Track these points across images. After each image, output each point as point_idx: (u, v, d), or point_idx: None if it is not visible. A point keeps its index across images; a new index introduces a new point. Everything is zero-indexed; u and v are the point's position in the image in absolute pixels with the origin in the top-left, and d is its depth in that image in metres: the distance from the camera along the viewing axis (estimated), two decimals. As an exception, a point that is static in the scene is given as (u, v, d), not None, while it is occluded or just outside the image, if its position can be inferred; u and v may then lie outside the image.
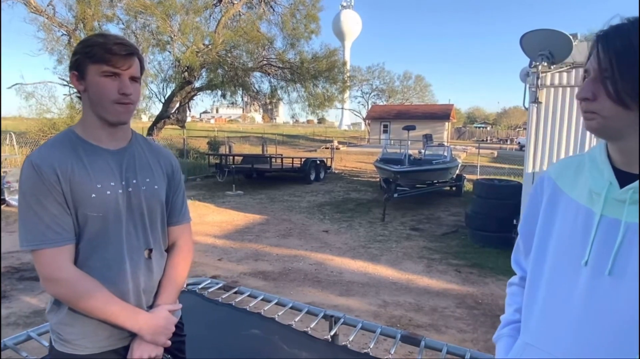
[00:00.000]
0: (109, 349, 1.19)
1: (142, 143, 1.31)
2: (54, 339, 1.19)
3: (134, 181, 1.22)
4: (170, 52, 16.39)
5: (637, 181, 0.78)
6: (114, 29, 16.11)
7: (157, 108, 18.48)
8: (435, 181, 11.39)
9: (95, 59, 1.11)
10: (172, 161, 1.37)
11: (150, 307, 1.25)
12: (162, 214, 1.30)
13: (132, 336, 1.19)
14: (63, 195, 1.10)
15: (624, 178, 0.81)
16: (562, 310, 0.87)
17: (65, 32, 15.24)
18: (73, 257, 1.13)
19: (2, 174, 9.61)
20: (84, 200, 1.12)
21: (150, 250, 1.25)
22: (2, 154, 10.60)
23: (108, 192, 1.15)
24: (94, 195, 1.13)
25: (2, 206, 8.95)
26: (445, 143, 19.42)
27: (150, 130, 17.67)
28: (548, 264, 0.91)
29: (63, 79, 15.14)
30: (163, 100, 17.90)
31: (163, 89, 17.87)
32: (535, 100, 5.45)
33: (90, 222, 1.13)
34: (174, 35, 15.62)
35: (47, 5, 14.81)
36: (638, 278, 0.76)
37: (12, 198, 9.10)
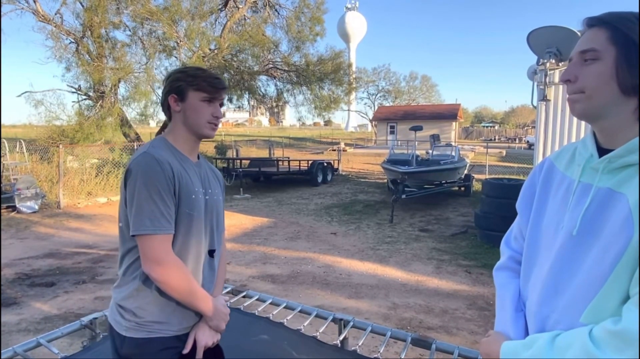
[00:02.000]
0: (176, 334, 1.33)
1: (202, 160, 1.51)
2: (125, 327, 1.29)
3: (210, 190, 1.43)
4: (176, 57, 16.50)
5: (612, 152, 0.86)
6: (120, 36, 16.28)
7: (164, 115, 18.57)
8: (443, 181, 11.31)
9: (199, 87, 1.34)
10: (220, 177, 1.60)
11: None
12: (224, 221, 1.53)
13: (192, 324, 1.36)
14: (175, 190, 1.27)
15: (605, 154, 0.88)
16: (538, 269, 0.98)
17: (73, 40, 15.39)
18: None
19: (12, 181, 9.71)
20: (186, 198, 1.30)
21: (213, 251, 1.44)
22: (12, 161, 10.69)
23: (200, 196, 1.36)
24: (193, 196, 1.32)
25: (12, 214, 9.05)
26: (453, 143, 19.33)
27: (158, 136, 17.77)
28: (541, 233, 1.00)
29: (71, 86, 15.30)
30: (170, 106, 17.97)
31: (170, 94, 17.94)
32: (543, 97, 5.40)
33: (185, 219, 1.30)
34: (180, 41, 15.72)
35: (55, 14, 14.97)
36: (601, 239, 0.83)
37: (23, 205, 9.20)
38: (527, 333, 0.98)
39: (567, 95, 0.92)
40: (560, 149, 1.07)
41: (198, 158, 1.47)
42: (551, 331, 0.88)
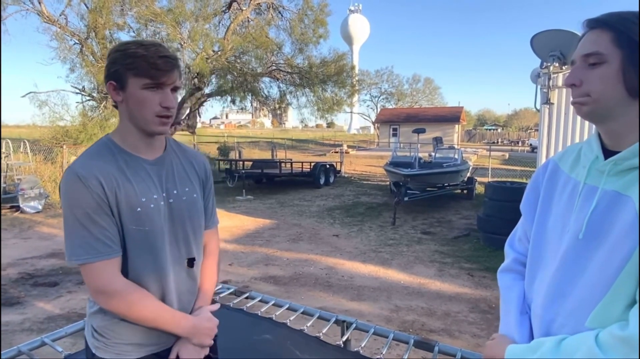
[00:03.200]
0: (153, 353, 1.20)
1: (177, 148, 1.29)
2: (94, 346, 1.18)
3: (175, 191, 1.21)
4: (180, 58, 16.52)
5: (618, 154, 0.85)
6: (124, 37, 16.33)
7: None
8: (446, 184, 11.30)
9: (138, 72, 1.07)
10: (206, 164, 1.36)
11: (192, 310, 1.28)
12: (202, 223, 1.30)
13: (175, 338, 1.20)
14: (110, 207, 1.08)
15: (611, 156, 0.87)
16: (543, 271, 0.97)
17: (77, 41, 15.46)
18: (120, 268, 1.12)
19: (15, 181, 9.76)
20: (130, 213, 1.10)
21: (192, 259, 1.25)
22: (16, 162, 10.74)
23: (152, 205, 1.14)
24: (139, 209, 1.12)
25: (16, 213, 9.08)
26: (456, 146, 19.30)
27: (162, 137, 17.80)
28: (547, 235, 0.99)
29: (75, 87, 15.36)
30: (173, 107, 18.05)
31: (173, 96, 18.03)
32: (546, 101, 5.39)
33: (135, 235, 1.12)
34: (184, 42, 15.77)
35: (60, 15, 15.05)
36: (607, 242, 0.82)
37: (27, 205, 9.23)
38: (532, 336, 0.98)
39: (572, 99, 0.91)
40: (564, 150, 1.06)
41: (165, 149, 1.24)
42: (556, 334, 0.88)
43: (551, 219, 0.99)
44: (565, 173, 0.99)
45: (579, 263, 0.87)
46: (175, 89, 1.14)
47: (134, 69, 1.07)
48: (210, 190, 1.37)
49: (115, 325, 1.15)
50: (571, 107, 5.60)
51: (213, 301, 1.37)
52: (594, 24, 0.88)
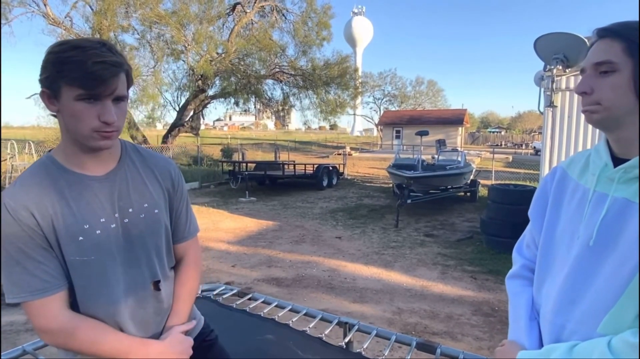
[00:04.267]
0: None
1: (134, 156, 1.13)
2: None
3: (130, 209, 1.06)
4: (184, 61, 16.65)
5: (628, 162, 0.85)
6: (129, 39, 16.45)
7: (171, 116, 18.76)
8: (449, 186, 11.28)
9: (69, 80, 0.90)
10: (172, 171, 1.19)
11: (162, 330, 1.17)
12: (167, 239, 1.17)
13: None
14: (46, 239, 0.96)
15: (620, 163, 0.88)
16: (552, 277, 0.97)
17: (82, 43, 15.57)
18: (67, 302, 1.00)
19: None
20: (70, 244, 0.97)
21: (157, 282, 1.13)
22: (21, 162, 10.82)
23: (98, 232, 1.00)
24: (81, 238, 0.98)
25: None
26: (459, 148, 19.28)
27: (165, 138, 17.94)
28: (555, 242, 0.99)
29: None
30: (177, 109, 18.19)
31: (177, 97, 18.20)
32: (550, 104, 5.39)
33: (79, 266, 0.99)
34: (188, 45, 15.86)
35: (65, 17, 15.18)
36: (618, 249, 0.83)
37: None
38: (541, 342, 0.98)
39: (583, 107, 0.91)
40: (572, 157, 1.07)
41: (120, 159, 1.09)
42: (567, 341, 0.88)
43: (560, 226, 0.99)
44: (574, 180, 0.99)
45: (590, 270, 0.87)
46: (118, 99, 0.97)
47: (65, 77, 0.90)
48: (181, 199, 1.21)
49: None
50: (575, 110, 5.60)
51: (217, 305, 1.31)
52: (604, 33, 0.89)
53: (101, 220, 1.02)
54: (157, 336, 1.14)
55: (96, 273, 1.01)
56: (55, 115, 0.99)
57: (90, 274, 1.01)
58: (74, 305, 1.02)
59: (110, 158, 1.06)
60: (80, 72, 0.89)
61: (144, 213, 1.09)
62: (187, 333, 1.19)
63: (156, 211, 1.11)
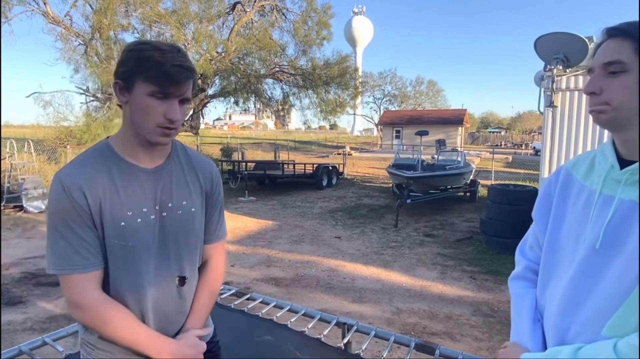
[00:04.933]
0: None
1: (182, 156, 1.20)
2: (83, 355, 1.16)
3: (170, 204, 1.12)
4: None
5: (635, 164, 0.84)
6: (129, 38, 16.41)
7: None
8: (448, 186, 11.28)
9: (146, 77, 0.99)
10: (213, 174, 1.26)
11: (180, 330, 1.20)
12: (199, 239, 1.21)
13: None
14: (92, 219, 1.03)
15: (626, 165, 0.87)
16: (557, 279, 0.96)
17: (81, 42, 15.56)
18: (100, 282, 1.06)
19: (19, 181, 9.80)
20: (113, 227, 1.04)
21: (183, 278, 1.17)
22: (20, 161, 10.79)
23: (139, 220, 1.07)
24: (123, 223, 1.05)
25: (19, 213, 9.12)
26: (459, 148, 19.28)
27: (164, 137, 17.84)
28: (560, 244, 0.99)
29: (79, 88, 15.45)
30: (177, 108, 18.11)
31: (177, 96, 18.11)
32: (550, 104, 5.38)
33: (118, 250, 1.06)
34: (188, 44, 15.83)
35: (65, 16, 15.17)
36: (624, 252, 0.82)
37: (30, 205, 9.28)
38: (544, 344, 0.97)
39: (591, 107, 0.90)
40: (576, 158, 1.06)
41: (169, 156, 1.16)
42: (571, 343, 0.88)
43: (565, 227, 0.98)
44: (579, 182, 0.99)
45: (596, 272, 0.87)
46: (184, 101, 1.05)
47: (143, 73, 0.99)
48: (217, 201, 1.27)
49: (95, 340, 1.11)
50: (575, 110, 5.59)
51: (215, 305, 1.30)
52: (614, 33, 0.87)
53: (143, 209, 1.08)
54: (174, 335, 1.17)
55: (131, 259, 1.07)
56: (120, 106, 1.07)
57: (126, 259, 1.07)
58: (104, 286, 1.07)
59: (161, 154, 1.14)
60: (158, 72, 0.98)
61: (181, 209, 1.14)
62: (200, 338, 1.20)
63: (193, 209, 1.17)
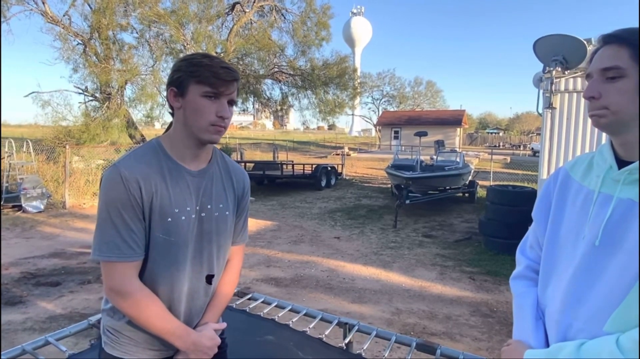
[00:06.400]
0: (158, 358, 1.22)
1: (221, 162, 1.30)
2: (105, 341, 1.22)
3: (209, 206, 1.22)
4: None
5: (633, 164, 0.87)
6: (128, 38, 16.42)
7: (169, 115, 18.74)
8: (447, 187, 11.30)
9: (200, 79, 1.10)
10: (246, 182, 1.36)
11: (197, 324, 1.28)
12: (228, 241, 1.31)
13: (177, 349, 1.21)
14: (143, 211, 1.10)
15: (624, 166, 0.90)
16: (557, 277, 0.99)
17: (80, 42, 15.53)
18: (139, 272, 1.14)
19: (18, 180, 9.78)
20: (160, 222, 1.12)
21: (211, 276, 1.26)
22: (19, 161, 10.77)
23: (183, 217, 1.15)
24: (169, 219, 1.13)
25: (18, 213, 9.10)
26: (458, 149, 19.31)
27: (163, 137, 17.84)
28: (560, 242, 1.01)
29: (78, 87, 15.42)
30: (176, 108, 18.10)
31: (176, 97, 18.10)
32: (549, 105, 5.40)
33: (161, 244, 1.13)
34: (187, 44, 15.83)
35: (63, 16, 15.13)
36: (623, 249, 0.84)
37: (29, 205, 9.25)
38: (547, 342, 0.99)
39: (590, 111, 0.93)
40: (574, 159, 1.09)
41: (210, 161, 1.26)
42: (573, 339, 0.90)
43: (564, 226, 1.01)
44: (577, 182, 1.01)
45: (596, 270, 0.89)
46: (231, 102, 1.17)
47: (197, 77, 1.10)
48: (245, 207, 1.37)
49: (122, 326, 1.19)
50: (573, 112, 5.61)
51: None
52: (610, 39, 0.90)
53: (187, 208, 1.16)
54: (194, 326, 1.26)
55: (171, 254, 1.15)
56: (171, 113, 1.19)
57: (167, 253, 1.15)
58: (140, 275, 1.15)
59: (204, 158, 1.23)
60: (210, 73, 1.10)
61: (218, 212, 1.24)
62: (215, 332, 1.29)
63: (227, 213, 1.27)
